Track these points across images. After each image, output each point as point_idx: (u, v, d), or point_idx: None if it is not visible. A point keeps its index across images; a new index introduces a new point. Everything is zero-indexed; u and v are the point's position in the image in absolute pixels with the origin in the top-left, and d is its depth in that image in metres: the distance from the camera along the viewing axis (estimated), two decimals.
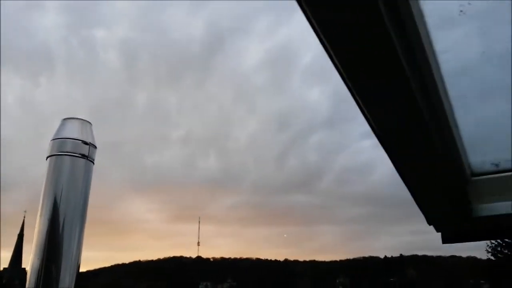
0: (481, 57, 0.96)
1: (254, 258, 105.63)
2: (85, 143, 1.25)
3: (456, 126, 1.00)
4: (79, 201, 1.22)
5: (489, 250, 36.50)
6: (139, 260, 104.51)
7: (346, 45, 0.60)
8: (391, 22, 0.57)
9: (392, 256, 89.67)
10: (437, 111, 0.81)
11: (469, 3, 0.81)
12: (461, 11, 0.80)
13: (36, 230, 1.17)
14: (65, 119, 1.30)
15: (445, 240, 1.42)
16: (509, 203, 1.23)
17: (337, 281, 77.06)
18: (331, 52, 0.60)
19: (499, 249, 35.96)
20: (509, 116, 1.09)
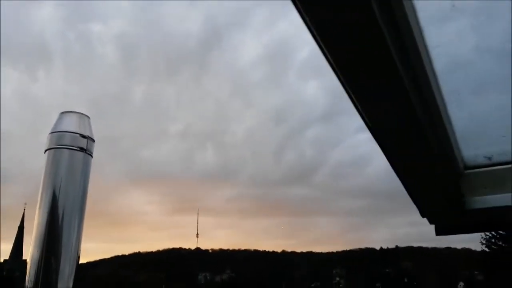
0: (473, 52, 0.97)
1: (252, 250, 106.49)
2: (83, 136, 1.26)
3: (449, 120, 1.01)
4: (78, 194, 1.23)
5: (484, 242, 36.98)
6: (139, 252, 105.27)
7: (341, 44, 0.61)
8: (383, 19, 0.58)
9: (388, 248, 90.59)
10: (430, 106, 0.82)
11: None
12: (453, 6, 0.81)
13: (35, 222, 1.19)
14: (63, 112, 1.30)
15: (438, 232, 1.44)
16: (501, 195, 1.24)
17: (334, 271, 77.77)
18: (326, 51, 0.61)
19: (493, 241, 36.39)
20: (502, 110, 1.11)
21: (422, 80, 0.74)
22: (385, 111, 0.77)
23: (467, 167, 1.26)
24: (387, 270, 74.69)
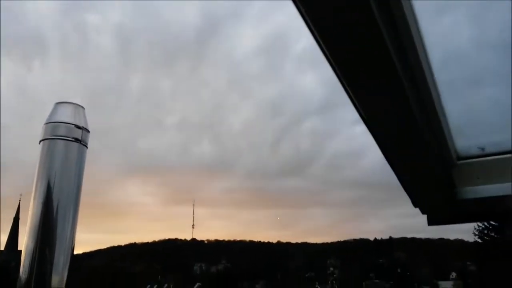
0: (470, 44, 0.97)
1: (247, 240, 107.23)
2: (78, 127, 1.25)
3: (443, 111, 1.02)
4: (72, 185, 1.23)
5: (476, 233, 37.47)
6: (135, 243, 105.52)
7: (340, 42, 0.61)
8: (382, 19, 0.58)
9: (382, 239, 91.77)
10: (424, 98, 0.83)
11: None
12: None
13: (30, 213, 1.18)
14: (58, 103, 1.29)
15: (430, 222, 1.46)
16: (494, 186, 1.26)
17: (328, 262, 78.64)
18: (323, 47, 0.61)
19: (486, 232, 36.89)
20: (496, 101, 1.12)
21: (416, 69, 0.74)
22: (380, 104, 0.78)
23: (460, 158, 1.27)
24: (380, 260, 75.66)
